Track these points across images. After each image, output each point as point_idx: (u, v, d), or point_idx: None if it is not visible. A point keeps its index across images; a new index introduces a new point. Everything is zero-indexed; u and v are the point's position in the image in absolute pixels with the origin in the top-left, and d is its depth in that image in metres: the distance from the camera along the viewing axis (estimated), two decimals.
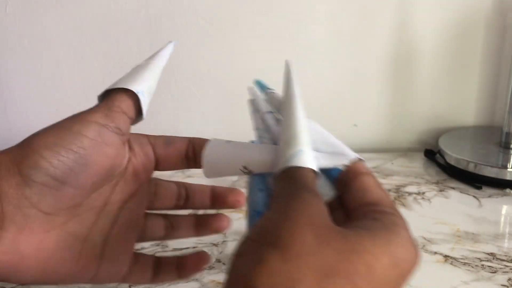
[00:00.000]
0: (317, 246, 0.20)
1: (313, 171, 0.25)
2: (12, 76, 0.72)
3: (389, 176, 0.63)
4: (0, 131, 0.74)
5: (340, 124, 0.74)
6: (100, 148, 0.29)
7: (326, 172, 0.28)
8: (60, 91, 0.73)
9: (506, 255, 0.44)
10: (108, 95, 0.32)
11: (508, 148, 0.64)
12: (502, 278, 0.40)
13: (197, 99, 0.73)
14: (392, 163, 0.67)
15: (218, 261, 0.44)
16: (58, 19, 0.69)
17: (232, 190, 0.37)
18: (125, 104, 0.32)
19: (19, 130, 0.74)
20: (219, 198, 0.37)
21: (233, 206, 0.36)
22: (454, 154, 0.62)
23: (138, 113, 0.33)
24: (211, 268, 0.42)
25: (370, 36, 0.71)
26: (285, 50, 0.71)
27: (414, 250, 0.23)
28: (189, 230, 0.36)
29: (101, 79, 0.72)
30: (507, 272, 0.41)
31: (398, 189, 0.59)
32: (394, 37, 0.70)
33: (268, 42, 0.71)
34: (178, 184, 0.37)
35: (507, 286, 0.39)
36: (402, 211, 0.54)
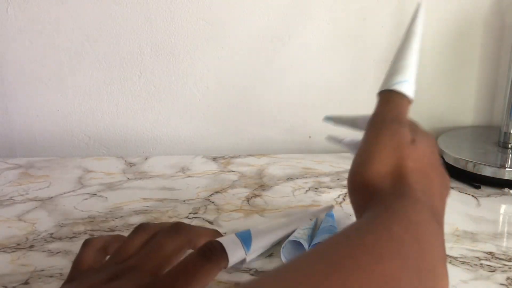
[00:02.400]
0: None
1: (409, 100, 0.34)
2: (14, 76, 0.72)
3: None
4: (1, 131, 0.74)
5: None
6: None
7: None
8: (62, 91, 0.73)
9: (504, 254, 0.44)
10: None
11: (507, 147, 0.64)
12: (500, 277, 0.41)
13: (197, 99, 0.73)
14: None
15: None
16: (59, 20, 0.70)
17: None
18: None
19: (20, 130, 0.74)
20: None
21: None
22: (453, 153, 0.62)
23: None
24: None
25: (369, 37, 0.71)
26: (284, 51, 0.71)
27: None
28: None
29: (102, 79, 0.72)
30: (505, 271, 0.41)
31: None
32: (393, 37, 0.71)
33: (267, 42, 0.71)
34: None
35: (506, 285, 0.40)
36: None
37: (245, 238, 0.38)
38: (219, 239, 0.35)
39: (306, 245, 0.42)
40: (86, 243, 0.36)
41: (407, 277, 0.22)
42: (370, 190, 0.30)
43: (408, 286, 0.22)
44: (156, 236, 0.34)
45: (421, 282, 0.23)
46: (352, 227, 0.25)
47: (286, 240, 0.42)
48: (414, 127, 0.33)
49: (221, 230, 0.49)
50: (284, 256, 0.42)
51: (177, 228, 0.35)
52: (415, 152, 0.31)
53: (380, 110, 0.35)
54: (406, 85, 0.34)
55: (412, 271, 0.23)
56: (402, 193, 0.28)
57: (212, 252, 0.33)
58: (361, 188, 0.30)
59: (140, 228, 0.36)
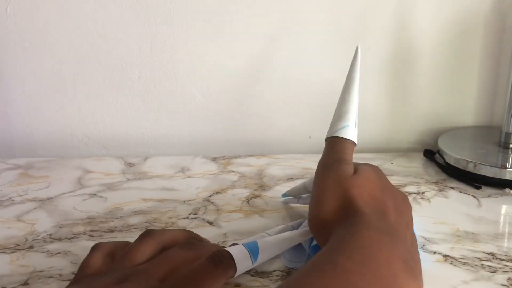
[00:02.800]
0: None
1: (352, 142, 0.38)
2: (13, 77, 0.72)
3: (389, 176, 0.62)
4: (0, 131, 0.74)
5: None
6: None
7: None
8: (61, 92, 0.73)
9: (505, 255, 0.44)
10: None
11: (507, 148, 0.64)
12: (501, 278, 0.40)
13: (197, 99, 0.73)
14: (392, 163, 0.68)
15: None
16: (58, 20, 0.69)
17: None
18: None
19: (19, 130, 0.74)
20: None
21: None
22: (454, 154, 0.62)
23: None
24: None
25: (369, 37, 0.71)
26: (284, 51, 0.71)
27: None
28: None
29: (101, 79, 0.72)
30: (506, 271, 0.41)
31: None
32: (394, 37, 0.71)
33: (267, 42, 0.71)
34: None
35: (507, 286, 0.39)
36: None
37: (253, 250, 0.38)
38: (227, 249, 0.36)
39: (306, 247, 0.42)
40: (95, 247, 0.37)
41: None
42: (328, 228, 0.32)
43: None
44: (169, 249, 0.35)
45: None
46: (306, 264, 0.27)
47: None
48: (358, 164, 0.36)
49: (221, 231, 0.49)
50: (284, 257, 0.42)
51: (191, 244, 0.37)
52: (358, 180, 0.34)
53: (325, 154, 0.38)
54: (348, 130, 0.38)
55: None
56: (351, 223, 0.30)
57: (220, 260, 0.34)
58: (320, 229, 0.33)
59: (147, 234, 0.37)
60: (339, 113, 0.39)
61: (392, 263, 0.27)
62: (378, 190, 0.34)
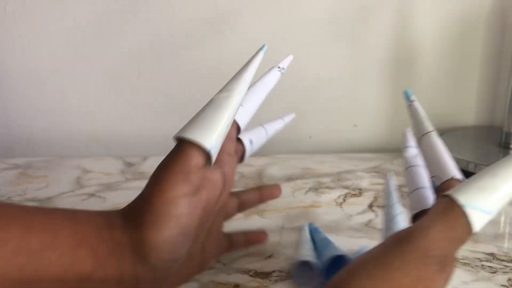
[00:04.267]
0: None
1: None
2: (12, 76, 0.72)
3: None
4: (0, 131, 0.74)
5: (340, 124, 0.74)
6: (196, 214, 0.32)
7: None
8: (60, 91, 0.73)
9: (506, 255, 0.44)
10: (184, 147, 0.34)
11: (508, 148, 0.64)
12: (502, 278, 0.40)
13: (197, 99, 0.73)
14: (392, 163, 0.67)
15: (218, 261, 0.44)
16: (58, 19, 0.69)
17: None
18: (199, 160, 0.33)
19: (18, 130, 0.74)
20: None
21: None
22: (454, 154, 0.62)
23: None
24: (211, 268, 0.42)
25: (369, 37, 0.71)
26: (285, 51, 0.71)
27: None
28: (255, 202, 0.43)
29: (101, 79, 0.72)
30: (507, 272, 0.41)
31: (398, 189, 0.59)
32: (394, 37, 0.70)
33: (267, 42, 0.71)
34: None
35: (507, 286, 0.39)
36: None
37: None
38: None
39: (314, 263, 0.41)
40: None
41: None
42: None
43: None
44: None
45: None
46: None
47: (296, 260, 0.42)
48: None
49: None
50: (295, 276, 0.42)
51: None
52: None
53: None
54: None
55: None
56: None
57: None
58: None
59: None
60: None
61: None
62: None
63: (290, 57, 0.44)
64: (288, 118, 0.46)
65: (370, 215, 0.52)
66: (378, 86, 0.73)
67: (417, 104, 0.38)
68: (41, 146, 0.75)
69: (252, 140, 0.42)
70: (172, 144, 0.34)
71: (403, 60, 0.72)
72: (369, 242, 0.46)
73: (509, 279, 0.40)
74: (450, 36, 0.71)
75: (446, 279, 0.27)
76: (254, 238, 0.42)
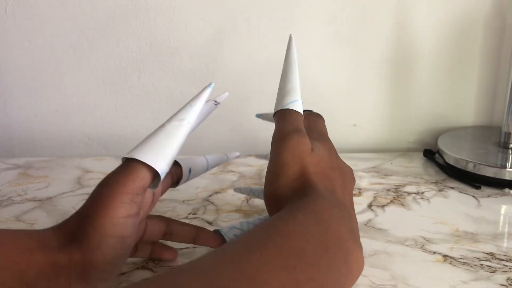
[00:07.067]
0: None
1: (302, 115, 0.39)
2: (12, 76, 0.72)
3: (388, 176, 0.63)
4: (0, 131, 0.74)
5: (340, 124, 0.74)
6: (136, 232, 0.35)
7: None
8: (60, 91, 0.73)
9: (505, 255, 0.44)
10: (132, 166, 0.34)
11: (507, 148, 0.64)
12: (501, 278, 0.40)
13: None
14: (392, 163, 0.67)
15: None
16: (58, 20, 0.69)
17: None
18: (147, 182, 0.35)
19: (19, 130, 0.74)
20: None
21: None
22: (453, 154, 0.62)
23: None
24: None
25: (369, 37, 0.71)
26: (284, 51, 0.71)
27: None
28: (186, 238, 0.43)
29: (101, 79, 0.72)
30: (506, 271, 0.41)
31: (397, 189, 0.59)
32: (393, 37, 0.71)
33: (267, 42, 0.71)
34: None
35: (506, 286, 0.39)
36: (402, 211, 0.54)
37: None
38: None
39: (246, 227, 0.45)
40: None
41: (312, 249, 0.27)
42: (282, 201, 0.34)
43: (314, 256, 0.27)
44: None
45: (328, 253, 0.28)
46: (268, 220, 0.30)
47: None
48: (312, 139, 0.37)
49: None
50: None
51: None
52: (315, 159, 0.35)
53: (279, 127, 0.38)
54: (297, 104, 0.39)
55: (317, 245, 0.28)
56: (306, 194, 0.33)
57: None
58: (275, 202, 0.34)
59: None
60: (286, 90, 0.40)
61: (341, 230, 0.30)
62: (330, 169, 0.36)
63: (226, 94, 0.48)
64: (232, 156, 0.49)
65: (369, 215, 0.52)
66: (378, 86, 0.73)
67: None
68: (42, 146, 0.75)
69: (191, 169, 0.44)
70: None
71: (402, 60, 0.72)
72: (369, 242, 0.46)
73: (508, 279, 0.40)
74: (450, 36, 0.71)
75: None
76: (159, 253, 0.43)
